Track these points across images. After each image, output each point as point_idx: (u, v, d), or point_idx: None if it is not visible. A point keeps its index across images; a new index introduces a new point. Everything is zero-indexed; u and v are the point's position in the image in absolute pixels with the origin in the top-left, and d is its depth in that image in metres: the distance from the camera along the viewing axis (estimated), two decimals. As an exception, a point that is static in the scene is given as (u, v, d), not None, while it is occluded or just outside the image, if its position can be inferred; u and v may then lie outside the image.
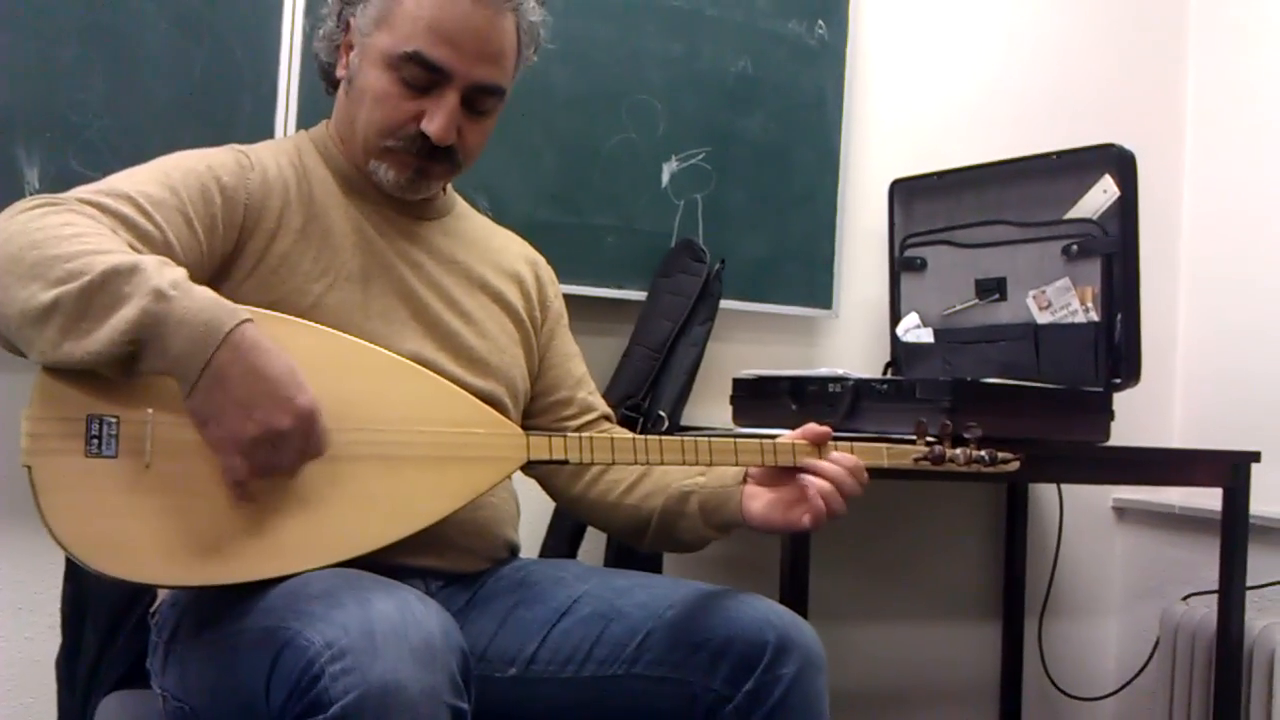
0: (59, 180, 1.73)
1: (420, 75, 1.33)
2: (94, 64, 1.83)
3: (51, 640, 1.56)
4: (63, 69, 1.81)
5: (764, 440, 1.34)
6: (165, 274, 1.11)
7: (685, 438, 1.33)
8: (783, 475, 1.35)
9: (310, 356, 1.20)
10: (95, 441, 1.13)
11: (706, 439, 1.33)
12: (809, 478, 1.32)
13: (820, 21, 2.40)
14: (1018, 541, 2.61)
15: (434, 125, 1.34)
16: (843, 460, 1.33)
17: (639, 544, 1.49)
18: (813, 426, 1.34)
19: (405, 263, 1.42)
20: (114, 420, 1.14)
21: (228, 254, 1.32)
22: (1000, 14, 2.67)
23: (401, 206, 1.45)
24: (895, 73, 2.55)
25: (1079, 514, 2.71)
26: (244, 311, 1.13)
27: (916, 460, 1.40)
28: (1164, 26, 2.83)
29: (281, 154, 1.42)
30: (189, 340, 1.09)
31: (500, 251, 1.56)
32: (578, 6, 2.16)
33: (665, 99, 2.24)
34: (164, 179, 1.27)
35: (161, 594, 1.35)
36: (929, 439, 1.42)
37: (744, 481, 1.38)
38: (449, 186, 1.56)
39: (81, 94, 1.82)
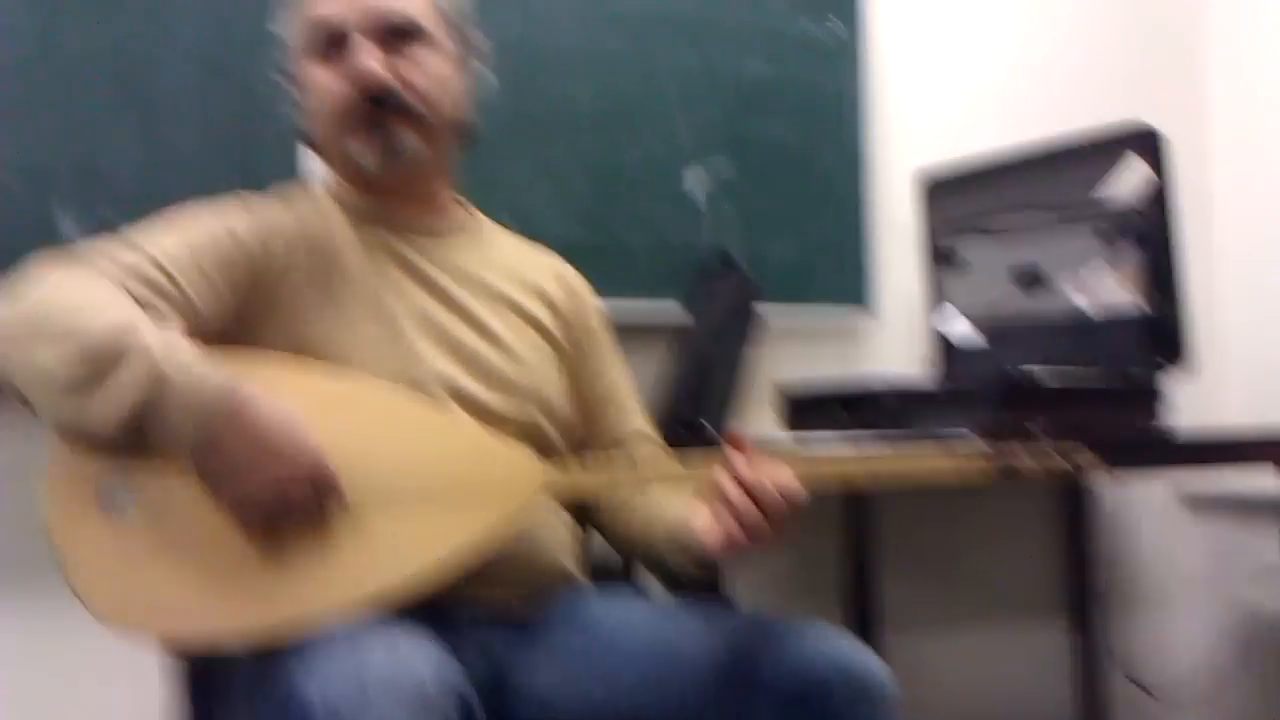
0: (93, 229, 1.73)
1: (324, 39, 1.37)
2: (122, 114, 1.84)
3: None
4: (91, 120, 1.82)
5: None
6: (162, 341, 1.14)
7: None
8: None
9: (319, 400, 1.23)
10: (111, 501, 1.15)
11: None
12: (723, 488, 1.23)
13: (832, 17, 2.38)
14: (1081, 536, 2.57)
15: (353, 67, 1.35)
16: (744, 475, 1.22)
17: (663, 584, 1.46)
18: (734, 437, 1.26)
19: (426, 287, 1.41)
20: (130, 479, 1.16)
21: (245, 301, 1.32)
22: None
23: (420, 228, 1.44)
24: (913, 64, 2.53)
25: (1142, 504, 2.67)
26: (233, 378, 1.15)
27: (987, 472, 1.31)
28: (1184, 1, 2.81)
29: (294, 201, 1.43)
30: (186, 410, 1.11)
31: (529, 268, 1.53)
32: (589, 23, 2.15)
33: (684, 109, 2.23)
34: (178, 234, 1.30)
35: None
36: (993, 445, 1.32)
37: None
38: (473, 209, 1.55)
39: (110, 144, 1.83)
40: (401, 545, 1.21)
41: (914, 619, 2.45)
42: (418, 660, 1.07)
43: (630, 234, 2.17)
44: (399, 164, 1.39)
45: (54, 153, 1.79)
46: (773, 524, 1.20)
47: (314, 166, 1.89)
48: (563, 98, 2.11)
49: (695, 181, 2.23)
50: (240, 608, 1.16)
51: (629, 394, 1.60)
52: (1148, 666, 2.67)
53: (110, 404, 1.11)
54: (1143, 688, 2.63)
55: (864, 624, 1.80)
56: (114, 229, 1.30)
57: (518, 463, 1.28)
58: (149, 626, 1.15)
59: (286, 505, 1.15)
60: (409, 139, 1.38)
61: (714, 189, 2.24)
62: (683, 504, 1.36)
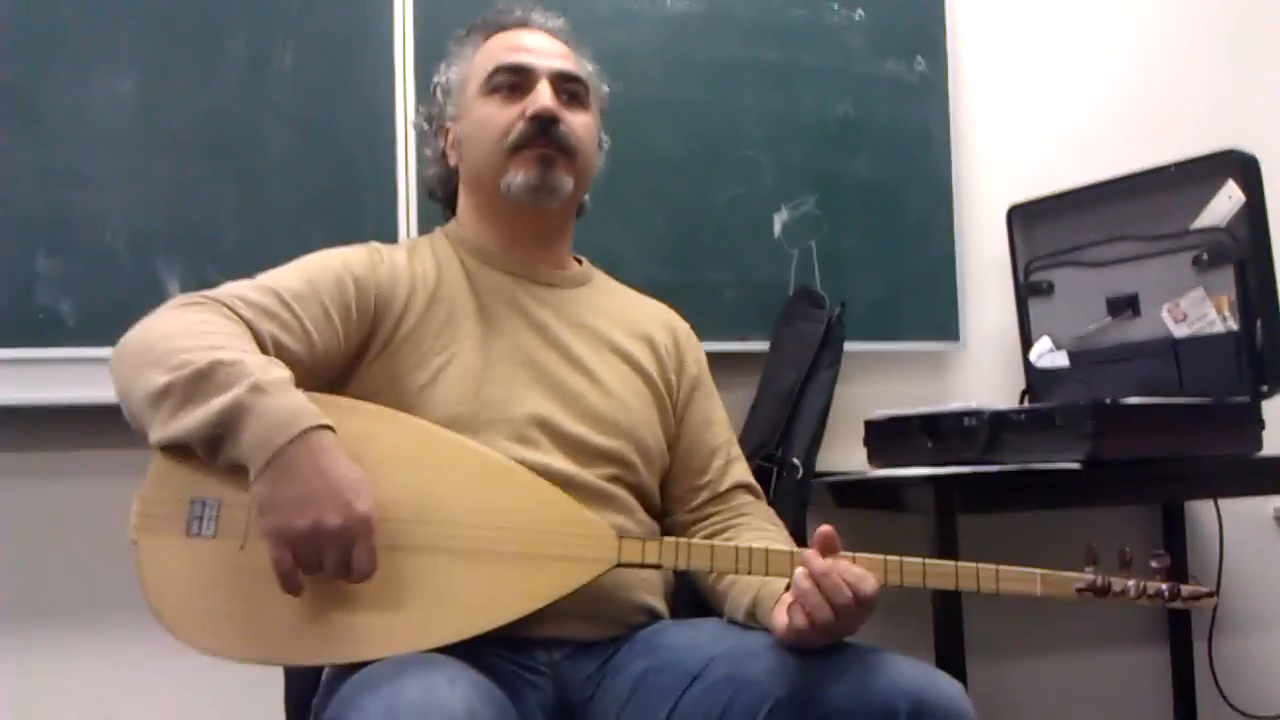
0: (199, 289, 1.83)
1: (509, 79, 1.50)
2: (223, 178, 1.93)
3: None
4: (195, 185, 1.92)
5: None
6: (267, 371, 1.20)
7: (775, 549, 1.30)
8: None
9: (397, 447, 1.28)
10: (197, 522, 1.22)
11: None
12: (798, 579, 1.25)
13: (918, 58, 2.39)
14: (1178, 560, 2.52)
15: (536, 101, 1.47)
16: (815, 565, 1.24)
17: None
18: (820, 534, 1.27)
19: (530, 327, 1.48)
20: (216, 502, 1.21)
21: (364, 338, 1.41)
22: (1101, 29, 2.63)
23: (537, 277, 1.53)
24: (1000, 99, 2.53)
25: (1239, 527, 2.60)
26: (328, 421, 1.19)
27: (1079, 591, 1.28)
28: (1271, 27, 2.75)
29: (417, 248, 1.53)
30: (266, 431, 1.16)
31: (637, 317, 1.60)
32: (676, 72, 2.21)
33: (769, 151, 2.26)
34: (304, 274, 1.40)
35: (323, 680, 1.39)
36: (1094, 569, 1.28)
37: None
38: (586, 262, 1.62)
39: (214, 207, 1.92)
40: (475, 600, 1.25)
41: (1006, 647, 2.43)
42: (449, 694, 1.09)
43: (717, 275, 2.21)
44: (548, 199, 1.50)
45: (159, 218, 1.90)
46: (841, 620, 1.23)
47: (411, 226, 2.00)
48: (650, 144, 2.17)
49: (782, 222, 2.26)
50: (291, 639, 1.21)
51: (733, 443, 1.63)
52: (1247, 689, 2.60)
53: (198, 413, 1.17)
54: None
55: (955, 652, 1.78)
56: (217, 286, 1.38)
57: (595, 533, 1.31)
58: (204, 642, 1.20)
59: (316, 555, 1.16)
60: (563, 179, 1.49)
61: (801, 228, 2.27)
62: (765, 580, 1.36)
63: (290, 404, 1.19)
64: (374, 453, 1.26)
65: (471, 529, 1.26)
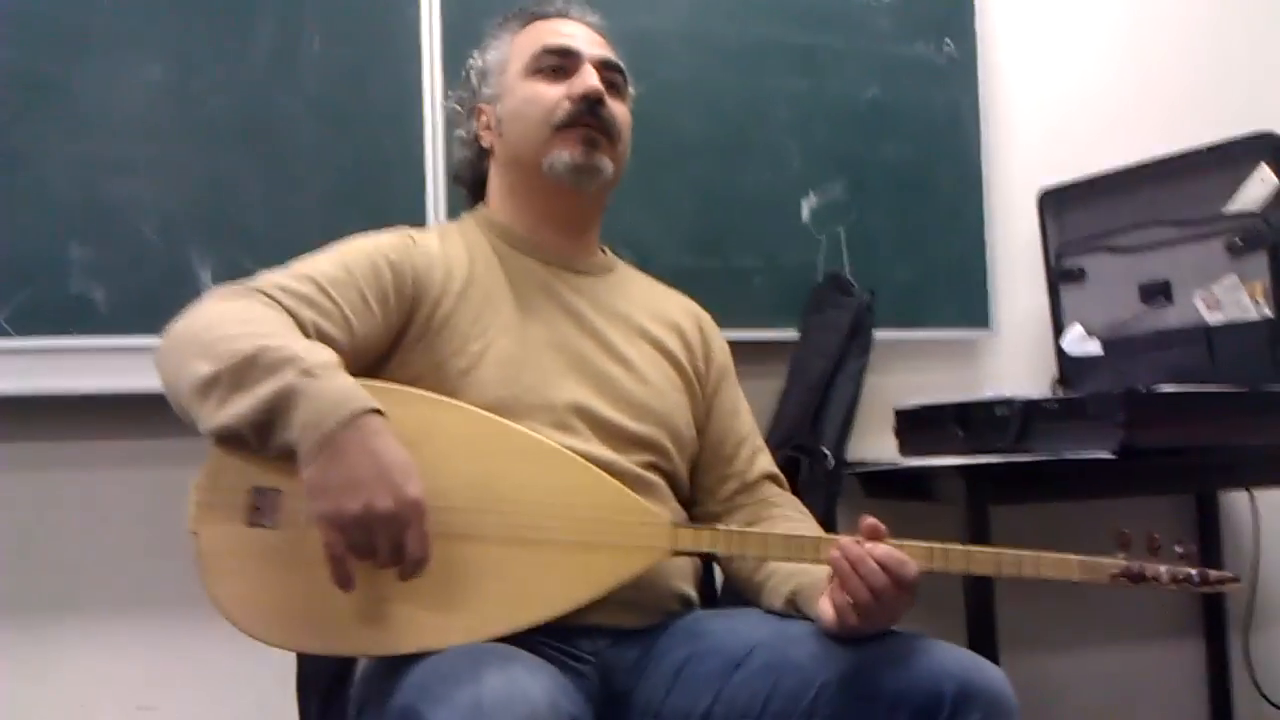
0: (231, 277, 1.83)
1: (555, 61, 1.51)
2: (253, 166, 1.93)
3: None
4: (224, 173, 1.92)
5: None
6: (315, 355, 1.20)
7: (826, 537, 1.29)
8: None
9: (455, 435, 1.27)
10: (257, 512, 1.21)
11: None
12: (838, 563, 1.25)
13: (947, 40, 2.37)
14: (1212, 552, 2.49)
15: (581, 82, 1.49)
16: (852, 550, 1.24)
17: None
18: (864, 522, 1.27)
19: (565, 313, 1.48)
20: (277, 492, 1.21)
21: (402, 323, 1.40)
22: (1133, 11, 2.60)
23: (567, 264, 1.53)
24: (1030, 81, 2.50)
25: (1275, 518, 2.58)
26: (378, 405, 1.18)
27: (1113, 577, 1.28)
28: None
29: (447, 233, 1.53)
30: (316, 414, 1.15)
31: (664, 306, 1.60)
32: (701, 55, 2.19)
33: (797, 135, 2.25)
34: (340, 261, 1.39)
35: (359, 669, 1.40)
36: (1125, 555, 1.29)
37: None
38: (609, 251, 1.62)
39: (244, 194, 1.93)
40: (534, 589, 1.25)
41: (1039, 639, 2.42)
42: (531, 685, 1.09)
43: (745, 261, 2.19)
44: (588, 180, 1.50)
45: (190, 205, 1.91)
46: (881, 603, 1.22)
47: (439, 211, 2.00)
48: (675, 128, 2.15)
49: (810, 207, 2.25)
50: (353, 629, 1.21)
51: (757, 433, 1.63)
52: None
53: (247, 400, 1.17)
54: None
55: (988, 644, 1.78)
56: (249, 274, 1.38)
57: (651, 521, 1.31)
58: (268, 633, 1.20)
59: (368, 540, 1.14)
60: (605, 162, 1.50)
61: (830, 214, 2.26)
62: (805, 570, 1.36)
63: (339, 387, 1.18)
64: (433, 440, 1.25)
65: (529, 518, 1.26)
